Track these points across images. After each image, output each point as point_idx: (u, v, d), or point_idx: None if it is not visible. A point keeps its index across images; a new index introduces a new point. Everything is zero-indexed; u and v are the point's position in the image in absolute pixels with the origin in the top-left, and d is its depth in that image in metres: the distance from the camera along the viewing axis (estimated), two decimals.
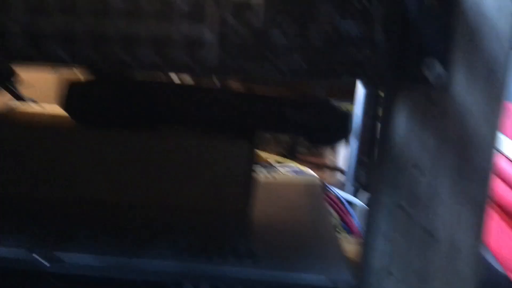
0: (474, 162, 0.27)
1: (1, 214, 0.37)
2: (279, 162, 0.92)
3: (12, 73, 0.53)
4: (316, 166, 1.11)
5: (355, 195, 1.00)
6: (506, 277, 0.77)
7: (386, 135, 0.29)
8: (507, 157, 0.75)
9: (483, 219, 0.27)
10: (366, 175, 1.06)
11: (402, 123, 0.27)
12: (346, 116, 0.43)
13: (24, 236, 0.32)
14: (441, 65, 0.26)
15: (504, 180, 0.75)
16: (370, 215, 0.30)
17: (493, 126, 0.27)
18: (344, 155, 1.22)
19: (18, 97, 0.57)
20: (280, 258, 0.32)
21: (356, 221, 0.68)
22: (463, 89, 0.26)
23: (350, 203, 0.80)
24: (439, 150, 0.27)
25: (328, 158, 1.48)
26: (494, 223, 0.78)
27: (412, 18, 0.26)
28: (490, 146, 0.27)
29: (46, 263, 0.29)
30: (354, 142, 1.02)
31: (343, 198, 0.76)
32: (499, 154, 0.77)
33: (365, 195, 1.05)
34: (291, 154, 1.22)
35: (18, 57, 0.28)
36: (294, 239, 0.38)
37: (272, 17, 0.26)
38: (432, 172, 0.27)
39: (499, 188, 0.78)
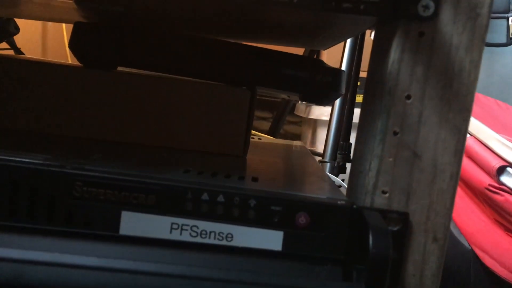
0: (457, 92, 0.31)
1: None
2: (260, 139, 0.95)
3: (18, 29, 0.55)
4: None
5: (334, 174, 1.04)
6: (471, 252, 0.82)
7: (380, 68, 0.32)
8: (476, 138, 0.80)
9: (462, 144, 0.31)
10: (342, 157, 1.11)
11: (396, 56, 0.31)
12: (340, 74, 0.46)
13: (49, 155, 0.34)
14: (434, 4, 0.30)
15: (469, 156, 0.80)
16: (363, 141, 0.33)
17: (475, 60, 0.30)
18: (322, 141, 1.27)
19: (18, 51, 0.59)
20: (282, 184, 0.36)
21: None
22: (450, 24, 0.30)
23: None
24: (427, 80, 0.31)
25: (306, 145, 1.52)
26: (460, 199, 0.83)
27: None
28: (471, 77, 0.31)
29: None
30: (333, 124, 1.06)
31: None
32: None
33: (342, 177, 1.09)
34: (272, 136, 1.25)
35: None
36: (291, 175, 0.41)
37: None
38: (421, 100, 0.31)
39: (464, 164, 0.84)
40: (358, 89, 1.17)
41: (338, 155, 1.10)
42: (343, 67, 1.12)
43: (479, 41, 0.30)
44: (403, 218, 0.31)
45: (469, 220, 0.82)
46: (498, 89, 1.11)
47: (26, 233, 0.30)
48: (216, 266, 0.30)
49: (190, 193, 0.31)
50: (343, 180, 1.04)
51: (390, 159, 0.31)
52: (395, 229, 0.31)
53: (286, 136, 1.82)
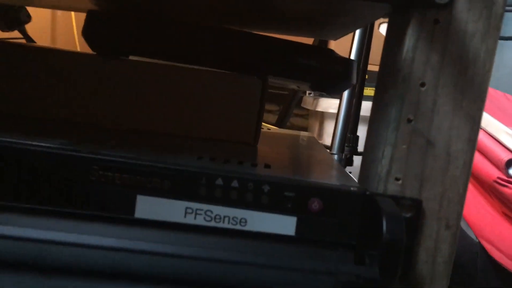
0: (472, 80, 0.31)
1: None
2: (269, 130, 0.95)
3: (30, 18, 0.55)
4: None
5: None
6: (479, 245, 0.82)
7: (394, 57, 0.32)
8: (485, 130, 0.80)
9: (476, 132, 0.31)
10: (350, 150, 1.11)
11: (411, 44, 0.31)
12: (350, 63, 0.46)
13: (65, 140, 0.35)
14: None
15: (478, 149, 0.80)
16: (376, 129, 0.34)
17: (490, 48, 0.30)
18: (329, 134, 1.27)
19: (30, 39, 0.59)
20: (294, 171, 0.36)
21: None
22: (465, 12, 0.30)
23: None
24: (442, 68, 0.31)
25: (314, 135, 1.52)
26: (468, 192, 0.83)
27: None
28: (486, 66, 0.31)
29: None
30: (341, 117, 1.06)
31: None
32: None
33: (350, 169, 1.10)
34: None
35: None
36: (303, 163, 0.41)
37: None
38: (435, 88, 0.31)
39: (475, 159, 0.84)
40: (366, 82, 1.17)
41: (346, 148, 1.10)
42: (352, 54, 1.12)
43: (495, 29, 0.30)
44: (416, 205, 0.31)
45: (477, 213, 0.82)
46: (508, 83, 1.10)
47: (44, 214, 0.31)
48: (230, 249, 0.30)
49: (205, 178, 0.32)
50: (350, 173, 1.04)
51: (404, 146, 0.31)
52: (408, 215, 0.31)
53: (292, 129, 1.82)
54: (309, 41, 1.16)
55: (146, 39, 0.46)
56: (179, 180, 0.32)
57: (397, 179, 0.32)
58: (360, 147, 1.13)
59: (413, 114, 0.31)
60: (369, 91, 1.32)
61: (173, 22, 0.47)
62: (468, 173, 0.31)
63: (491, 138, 0.78)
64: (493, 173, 0.76)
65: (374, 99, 0.36)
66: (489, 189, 0.78)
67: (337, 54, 0.48)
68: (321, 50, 0.48)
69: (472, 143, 0.31)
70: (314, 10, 0.41)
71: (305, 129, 1.79)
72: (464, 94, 0.31)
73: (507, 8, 0.97)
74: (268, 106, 1.77)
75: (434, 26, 0.31)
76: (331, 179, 0.35)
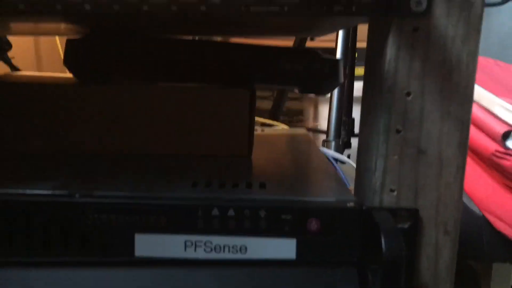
0: (457, 84, 0.30)
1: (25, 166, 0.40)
2: (264, 124, 0.95)
3: (10, 45, 0.55)
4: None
5: (339, 152, 1.04)
6: (483, 218, 0.82)
7: (377, 66, 0.32)
8: (479, 104, 0.79)
9: (466, 134, 0.31)
10: (346, 133, 1.11)
11: (393, 54, 0.31)
12: (337, 63, 0.46)
13: (58, 182, 0.35)
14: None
15: (475, 124, 0.79)
16: (366, 140, 0.33)
17: (472, 51, 0.30)
18: (325, 117, 1.26)
19: (14, 68, 0.59)
20: (290, 187, 0.36)
21: (343, 175, 0.72)
22: (444, 17, 0.30)
23: (336, 160, 0.85)
24: (425, 75, 0.30)
25: (309, 121, 1.52)
26: (468, 166, 0.83)
27: None
28: (469, 68, 0.30)
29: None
30: (334, 102, 1.06)
31: (330, 155, 0.80)
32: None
33: (348, 152, 1.10)
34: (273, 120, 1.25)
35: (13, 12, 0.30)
36: (298, 175, 0.41)
37: None
38: (421, 96, 0.31)
39: (472, 133, 0.84)
40: (356, 61, 1.16)
41: (342, 132, 1.10)
42: (339, 39, 1.11)
43: (475, 31, 0.30)
44: (413, 214, 0.31)
45: (478, 186, 0.82)
46: (497, 49, 1.09)
47: (41, 266, 0.31)
48: (234, 281, 0.30)
49: (201, 210, 0.32)
50: (349, 156, 1.05)
51: (395, 157, 0.31)
52: (406, 226, 0.31)
53: (287, 113, 1.81)
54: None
55: (127, 60, 0.45)
56: (176, 215, 0.32)
57: (392, 190, 0.32)
58: (357, 128, 1.12)
59: (402, 124, 0.31)
60: (360, 71, 1.31)
61: (151, 39, 0.46)
62: (462, 178, 0.31)
63: (485, 111, 0.78)
64: (491, 146, 0.76)
65: (362, 106, 0.36)
66: (488, 162, 0.79)
67: (322, 54, 0.48)
68: (306, 53, 0.47)
69: (463, 147, 0.31)
70: (291, 24, 0.40)
71: (300, 112, 1.78)
72: (451, 99, 0.31)
73: None
74: (261, 93, 1.76)
75: (413, 34, 0.30)
76: (327, 193, 0.35)
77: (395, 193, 0.32)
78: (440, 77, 0.30)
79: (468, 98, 0.31)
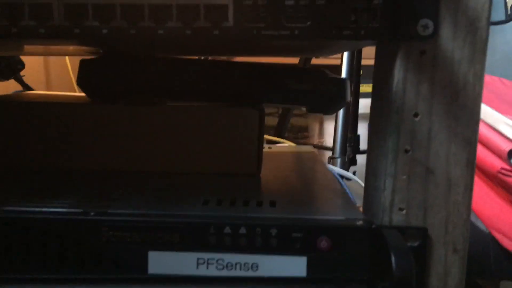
0: (463, 105, 0.31)
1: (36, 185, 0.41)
2: (271, 142, 0.96)
3: (23, 65, 0.56)
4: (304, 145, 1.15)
5: (345, 169, 1.05)
6: (490, 235, 0.82)
7: (386, 88, 0.33)
8: (484, 122, 0.80)
9: (473, 154, 0.32)
10: (352, 150, 1.11)
11: (400, 76, 0.31)
12: (344, 83, 0.47)
13: (73, 200, 0.35)
14: (432, 23, 0.30)
15: (481, 142, 0.80)
16: (375, 160, 0.34)
17: (478, 72, 0.31)
18: (330, 134, 1.27)
19: (27, 87, 0.60)
20: (300, 206, 0.36)
21: (349, 192, 0.72)
22: (450, 41, 0.31)
23: (342, 177, 0.85)
24: (433, 96, 0.31)
25: (314, 138, 1.53)
26: (475, 184, 0.83)
27: None
28: (476, 90, 0.31)
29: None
30: (340, 119, 1.07)
31: (336, 172, 0.80)
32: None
33: (353, 169, 1.10)
34: (279, 137, 1.25)
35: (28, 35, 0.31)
36: (307, 193, 0.42)
37: None
38: (429, 117, 0.31)
39: (478, 150, 0.84)
40: (361, 78, 1.17)
41: (348, 149, 1.10)
42: (344, 56, 1.12)
43: (481, 53, 0.31)
44: (422, 233, 0.32)
45: (485, 203, 0.82)
46: (502, 67, 1.10)
47: (56, 283, 0.31)
48: None
49: (213, 228, 0.32)
50: (354, 172, 1.05)
51: (404, 177, 0.32)
52: (415, 244, 0.32)
53: (292, 129, 1.82)
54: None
55: (139, 80, 0.46)
56: (189, 232, 0.32)
57: (401, 209, 0.32)
58: (362, 145, 1.13)
59: (410, 144, 0.32)
60: (365, 88, 1.32)
61: (162, 59, 0.47)
62: (470, 197, 0.32)
63: (491, 129, 0.78)
64: (497, 163, 0.76)
65: (370, 127, 0.36)
66: (495, 180, 0.79)
67: (329, 74, 0.49)
68: (314, 73, 0.48)
69: (470, 167, 0.32)
70: (302, 45, 0.41)
71: (304, 128, 1.79)
72: (457, 120, 0.31)
73: None
74: (266, 109, 1.77)
75: (421, 57, 0.31)
76: (337, 211, 0.36)
77: (404, 212, 0.32)
78: (447, 98, 0.31)
79: (474, 119, 0.31)
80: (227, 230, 0.32)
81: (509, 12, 1.06)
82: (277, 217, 0.33)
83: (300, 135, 1.81)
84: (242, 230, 0.32)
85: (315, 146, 1.36)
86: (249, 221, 0.32)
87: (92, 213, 0.33)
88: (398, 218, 0.32)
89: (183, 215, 0.33)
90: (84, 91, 0.48)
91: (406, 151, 0.32)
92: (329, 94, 0.47)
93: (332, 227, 0.32)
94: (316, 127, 1.53)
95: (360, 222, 0.32)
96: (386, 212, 0.32)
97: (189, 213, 0.33)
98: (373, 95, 0.36)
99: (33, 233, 0.32)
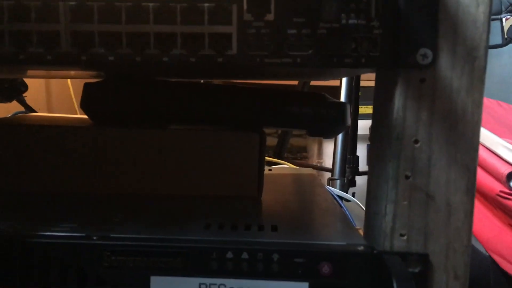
0: (462, 133, 0.32)
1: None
2: (271, 163, 0.96)
3: (26, 87, 0.57)
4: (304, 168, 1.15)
5: (344, 191, 1.05)
6: (489, 258, 0.82)
7: (386, 114, 0.33)
8: (483, 145, 0.81)
9: (473, 181, 0.32)
10: (351, 171, 1.12)
11: (400, 104, 0.32)
12: (344, 107, 0.47)
13: (76, 224, 0.36)
14: (431, 52, 0.31)
15: (480, 165, 0.81)
16: (376, 185, 0.34)
17: (477, 100, 0.32)
18: (329, 154, 1.27)
19: (29, 108, 0.61)
20: (301, 230, 0.37)
21: (349, 214, 0.73)
22: (449, 69, 0.31)
23: (341, 198, 0.85)
24: (433, 124, 0.32)
25: (313, 158, 1.53)
26: (474, 207, 0.84)
27: (404, 13, 0.31)
28: (474, 118, 0.32)
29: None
30: (339, 140, 1.07)
31: (335, 194, 0.81)
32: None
33: (353, 190, 1.10)
34: (278, 158, 1.26)
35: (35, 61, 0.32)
36: (308, 217, 0.42)
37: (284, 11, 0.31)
38: (428, 144, 0.32)
39: (477, 173, 0.84)
40: (359, 100, 1.18)
41: (347, 170, 1.11)
42: (343, 78, 1.14)
43: (479, 82, 0.31)
44: (423, 259, 0.32)
45: (484, 226, 0.82)
46: (499, 90, 1.11)
47: None
48: None
49: (215, 253, 0.32)
50: (353, 194, 1.05)
51: (405, 203, 0.32)
52: (416, 270, 0.32)
53: (291, 150, 1.83)
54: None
55: (142, 104, 0.47)
56: (191, 257, 0.32)
57: (402, 235, 0.32)
58: (361, 166, 1.13)
59: (410, 170, 0.32)
60: (364, 109, 1.33)
61: (164, 83, 0.48)
62: (470, 223, 0.32)
63: (489, 152, 0.79)
64: (495, 186, 0.77)
65: (370, 152, 0.37)
66: (494, 203, 0.79)
67: (329, 98, 0.49)
68: (314, 97, 0.49)
69: (470, 193, 0.32)
70: (303, 71, 0.42)
71: (303, 148, 1.79)
72: (457, 147, 0.32)
73: (491, 17, 0.98)
74: (266, 130, 1.78)
75: (420, 85, 0.32)
76: (338, 236, 0.36)
77: (405, 237, 0.32)
78: (447, 126, 0.32)
79: (474, 146, 0.32)
80: (229, 255, 0.32)
81: (506, 36, 1.08)
82: (279, 242, 0.33)
83: (299, 155, 1.82)
84: (244, 255, 0.32)
85: (314, 167, 1.36)
86: (251, 246, 0.33)
87: (94, 237, 0.33)
88: (399, 244, 0.32)
89: (185, 240, 0.33)
90: (87, 114, 0.48)
91: (407, 177, 0.32)
92: (330, 118, 0.48)
93: (334, 253, 0.32)
94: (315, 148, 1.53)
95: (361, 248, 0.32)
96: (387, 238, 0.33)
97: (191, 237, 0.34)
98: (373, 121, 0.36)
99: (36, 257, 0.33)
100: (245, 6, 0.31)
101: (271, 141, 1.75)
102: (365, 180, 0.39)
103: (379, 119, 0.35)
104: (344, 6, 0.31)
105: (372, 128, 0.37)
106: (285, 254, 0.32)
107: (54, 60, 0.31)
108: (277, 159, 1.12)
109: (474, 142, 0.32)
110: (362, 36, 0.31)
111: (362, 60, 0.31)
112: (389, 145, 0.33)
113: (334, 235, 0.36)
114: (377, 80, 0.36)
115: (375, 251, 0.32)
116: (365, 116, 1.30)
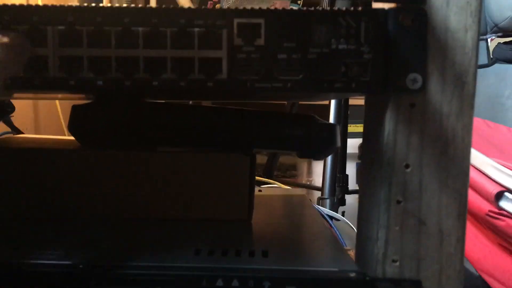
0: (453, 157, 0.32)
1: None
2: (261, 183, 0.96)
3: (13, 108, 0.56)
4: (294, 186, 1.15)
5: (334, 210, 1.04)
6: (480, 278, 0.82)
7: (376, 138, 0.33)
8: (472, 165, 0.81)
9: (464, 206, 0.32)
10: (341, 190, 1.11)
11: (391, 128, 0.32)
12: (333, 128, 0.47)
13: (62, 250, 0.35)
14: (421, 77, 0.31)
15: (470, 186, 0.81)
16: (367, 209, 0.34)
17: (467, 125, 0.32)
18: (318, 173, 1.27)
19: (16, 130, 0.60)
20: (292, 255, 0.36)
21: (339, 234, 0.72)
22: (439, 94, 0.31)
23: (331, 218, 0.85)
24: (423, 148, 0.32)
25: (302, 177, 1.53)
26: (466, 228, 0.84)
27: (393, 38, 0.31)
28: (465, 141, 0.32)
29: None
30: (328, 160, 1.08)
31: (325, 213, 0.80)
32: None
33: (343, 209, 1.10)
34: (268, 177, 1.25)
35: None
36: (299, 242, 0.42)
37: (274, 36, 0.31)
38: (419, 168, 0.32)
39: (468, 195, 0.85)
40: (349, 118, 1.19)
41: (337, 188, 1.11)
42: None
43: (469, 107, 0.32)
44: (416, 285, 0.32)
45: (474, 246, 0.82)
46: (486, 109, 1.13)
47: None
48: None
49: (205, 281, 0.32)
50: (343, 213, 1.05)
51: (397, 228, 0.32)
52: None
53: (280, 167, 1.82)
54: None
55: (130, 126, 0.46)
56: (181, 285, 0.32)
57: (394, 261, 0.32)
58: (351, 185, 1.14)
59: (402, 195, 0.32)
60: (352, 128, 1.34)
61: (152, 105, 0.48)
62: (462, 249, 0.32)
63: (478, 171, 0.79)
64: (485, 206, 0.77)
65: (362, 177, 0.37)
66: (483, 222, 0.79)
67: (319, 119, 0.49)
68: (304, 119, 0.49)
69: (462, 218, 0.32)
70: (293, 94, 0.42)
71: (293, 166, 1.79)
72: (448, 172, 0.32)
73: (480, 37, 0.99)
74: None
75: (411, 109, 0.32)
76: (330, 261, 0.35)
77: (397, 263, 0.32)
78: (437, 150, 0.32)
79: (464, 171, 0.32)
80: (220, 282, 0.32)
81: (491, 56, 1.10)
82: (270, 269, 0.33)
83: (288, 173, 1.81)
84: (235, 283, 0.32)
85: (304, 186, 1.36)
86: (242, 273, 0.32)
87: (80, 266, 0.32)
88: (391, 270, 0.32)
89: (175, 267, 0.32)
90: (75, 137, 0.47)
91: (398, 202, 0.32)
92: (319, 141, 0.47)
93: (326, 280, 0.32)
94: (304, 166, 1.54)
95: (353, 274, 0.32)
96: (380, 264, 0.32)
97: (181, 264, 0.33)
98: (364, 145, 0.36)
99: (21, 285, 0.32)
100: (235, 31, 0.31)
101: (261, 159, 1.74)
102: (355, 199, 0.39)
103: (370, 144, 0.35)
104: (334, 31, 0.31)
105: (362, 152, 0.37)
106: (277, 281, 0.32)
107: (42, 85, 0.31)
108: (267, 178, 1.12)
109: (464, 167, 0.32)
110: (352, 61, 0.31)
111: (353, 84, 0.31)
112: (380, 170, 0.32)
113: (325, 260, 0.36)
114: (367, 104, 0.36)
115: (367, 278, 0.31)
116: (354, 135, 1.31)
